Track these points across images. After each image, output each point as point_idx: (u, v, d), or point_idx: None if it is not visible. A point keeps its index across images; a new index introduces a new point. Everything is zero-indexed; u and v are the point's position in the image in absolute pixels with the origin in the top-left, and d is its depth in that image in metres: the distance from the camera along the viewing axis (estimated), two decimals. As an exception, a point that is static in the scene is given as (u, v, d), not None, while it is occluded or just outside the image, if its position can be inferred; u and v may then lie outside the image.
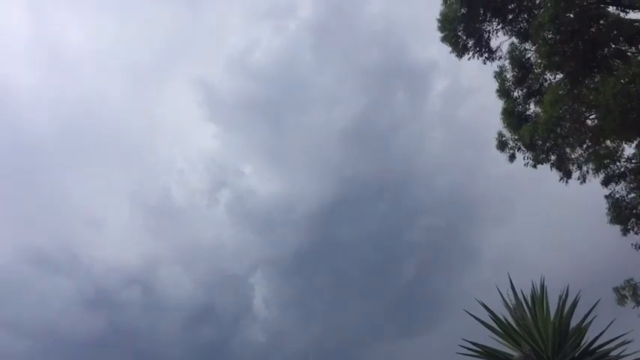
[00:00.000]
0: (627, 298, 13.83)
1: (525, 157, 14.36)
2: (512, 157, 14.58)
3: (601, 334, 4.22)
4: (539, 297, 4.27)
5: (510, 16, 14.00)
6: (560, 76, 12.76)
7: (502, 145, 14.67)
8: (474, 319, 4.48)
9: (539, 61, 12.86)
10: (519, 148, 14.44)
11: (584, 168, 14.31)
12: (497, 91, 14.67)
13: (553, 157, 14.02)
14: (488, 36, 14.36)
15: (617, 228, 14.48)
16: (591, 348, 4.19)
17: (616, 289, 14.03)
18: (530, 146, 13.97)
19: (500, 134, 14.75)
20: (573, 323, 4.22)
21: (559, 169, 14.25)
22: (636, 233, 13.95)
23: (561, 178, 14.48)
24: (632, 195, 14.14)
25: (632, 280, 14.02)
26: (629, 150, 14.30)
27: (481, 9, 13.70)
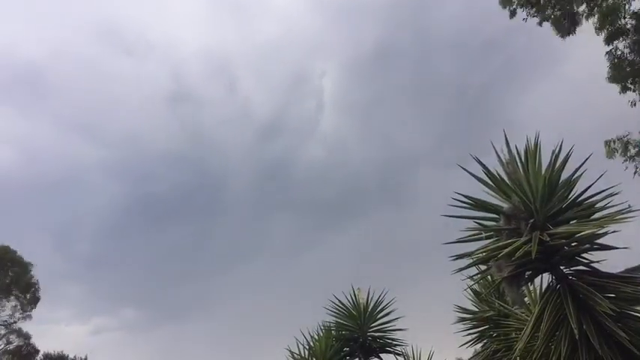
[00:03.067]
0: (617, 151, 14.14)
1: (528, 13, 13.96)
2: (513, 13, 14.19)
3: (589, 186, 4.35)
4: (532, 152, 4.35)
5: None
6: None
7: (505, 1, 14.17)
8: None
9: None
10: (522, 5, 13.97)
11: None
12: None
13: (557, 13, 13.59)
14: None
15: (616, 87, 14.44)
16: (579, 200, 4.35)
17: (607, 142, 14.28)
18: (535, 2, 13.52)
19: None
20: (564, 177, 4.34)
21: (560, 24, 13.89)
22: (634, 91, 13.93)
23: (561, 34, 14.16)
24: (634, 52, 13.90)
25: (626, 135, 14.24)
26: (636, 4, 13.82)
27: None
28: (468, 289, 8.20)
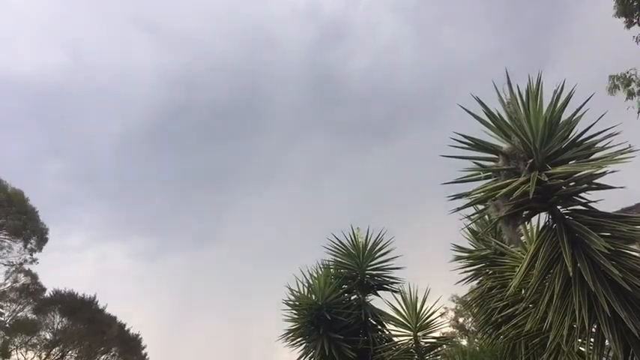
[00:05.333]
0: (619, 88, 13.93)
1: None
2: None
3: (590, 127, 4.32)
4: (533, 91, 4.29)
5: None
6: None
7: None
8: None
9: None
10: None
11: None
12: None
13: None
14: None
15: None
16: (578, 140, 4.33)
17: (611, 77, 14.04)
18: None
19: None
20: (565, 117, 4.30)
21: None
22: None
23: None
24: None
25: (630, 72, 13.98)
26: None
27: None
28: (465, 229, 8.31)
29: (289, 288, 10.46)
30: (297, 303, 10.24)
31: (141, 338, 34.46)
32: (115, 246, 58.28)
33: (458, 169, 4.74)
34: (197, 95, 67.56)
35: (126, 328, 33.68)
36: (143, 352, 34.48)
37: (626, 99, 13.92)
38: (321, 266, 10.63)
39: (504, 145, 4.34)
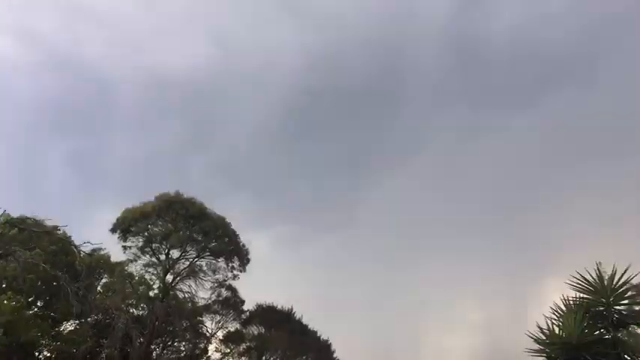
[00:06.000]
0: None
1: None
2: None
3: None
4: None
5: None
6: None
7: None
8: None
9: None
10: None
11: None
12: None
13: None
14: None
15: None
16: None
17: None
18: None
19: None
20: None
21: None
22: None
23: None
24: None
25: None
26: None
27: None
28: None
29: (538, 326, 10.81)
30: (548, 341, 10.57)
31: (330, 343, 36.69)
32: (259, 235, 60.76)
33: None
34: (339, 75, 68.31)
35: (317, 335, 36.12)
36: (334, 355, 36.72)
37: None
38: (568, 303, 10.83)
39: None
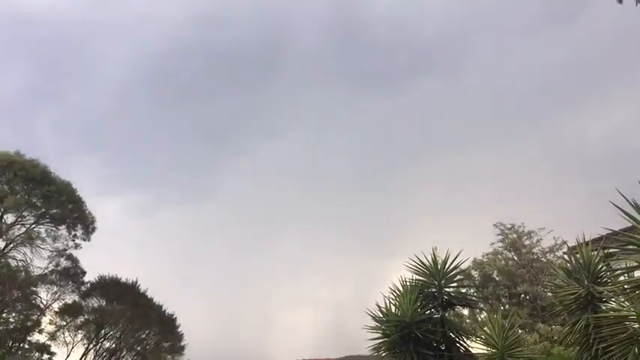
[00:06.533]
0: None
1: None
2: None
3: None
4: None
5: None
6: None
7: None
8: None
9: None
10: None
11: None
12: None
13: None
14: None
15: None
16: None
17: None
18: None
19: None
20: None
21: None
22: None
23: None
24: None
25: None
26: None
27: None
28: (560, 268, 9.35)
29: (377, 304, 11.48)
30: (385, 319, 11.29)
31: (176, 317, 36.08)
32: (108, 201, 57.95)
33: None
34: (218, 39, 65.96)
35: (163, 309, 35.26)
36: (179, 330, 36.16)
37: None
38: (404, 283, 11.62)
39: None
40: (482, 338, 10.92)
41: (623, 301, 7.77)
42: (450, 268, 11.54)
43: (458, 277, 11.88)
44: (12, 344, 32.08)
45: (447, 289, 11.63)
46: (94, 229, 31.39)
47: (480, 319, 28.95)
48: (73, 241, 31.16)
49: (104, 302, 33.05)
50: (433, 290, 11.61)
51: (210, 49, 65.29)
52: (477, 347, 11.09)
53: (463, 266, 11.98)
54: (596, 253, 9.00)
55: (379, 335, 11.21)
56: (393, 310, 11.21)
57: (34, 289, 32.30)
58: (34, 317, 32.73)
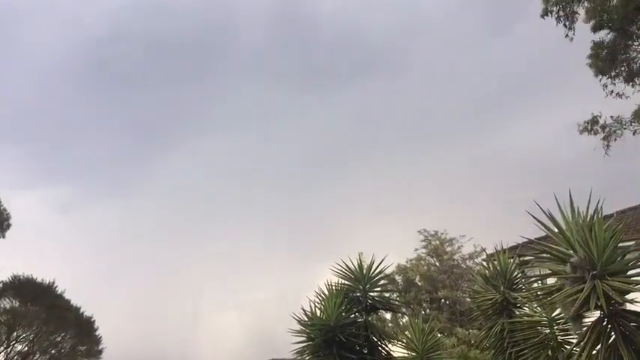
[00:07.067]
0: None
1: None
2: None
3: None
4: (600, 217, 5.56)
5: None
6: None
7: None
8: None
9: None
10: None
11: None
12: None
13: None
14: None
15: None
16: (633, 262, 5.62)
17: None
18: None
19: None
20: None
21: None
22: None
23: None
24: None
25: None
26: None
27: None
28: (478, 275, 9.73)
29: (302, 308, 11.48)
30: (309, 323, 11.31)
31: (94, 320, 34.63)
32: (26, 194, 54.76)
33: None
34: (158, 25, 63.77)
35: (81, 311, 33.74)
36: (97, 333, 34.73)
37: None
38: (330, 287, 11.69)
39: (573, 256, 5.56)
40: (403, 342, 11.16)
41: (535, 307, 8.18)
42: (375, 272, 11.73)
43: (382, 281, 12.11)
44: None
45: (372, 294, 11.81)
46: (8, 226, 29.61)
47: (401, 323, 29.71)
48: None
49: (17, 303, 31.22)
50: (358, 294, 11.75)
51: (151, 38, 62.82)
52: (398, 351, 11.31)
53: (387, 271, 12.18)
54: (512, 260, 9.43)
55: (303, 339, 11.23)
56: (318, 314, 11.27)
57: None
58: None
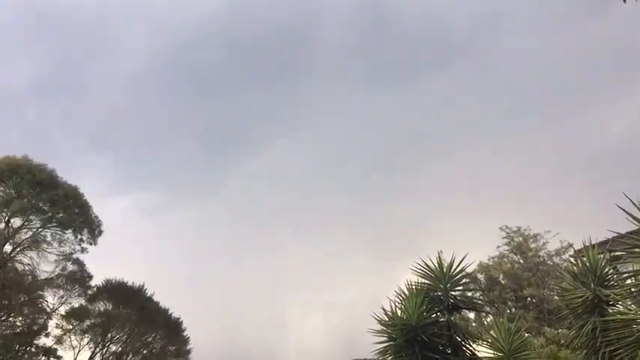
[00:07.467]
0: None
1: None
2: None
3: None
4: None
5: None
6: None
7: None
8: None
9: None
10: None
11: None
12: None
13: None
14: None
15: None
16: None
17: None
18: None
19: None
20: None
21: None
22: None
23: None
24: None
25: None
26: None
27: None
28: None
29: (382, 308, 11.47)
30: (390, 323, 11.27)
31: (182, 321, 36.21)
32: (117, 201, 57.47)
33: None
34: (240, 27, 64.13)
35: (169, 313, 35.42)
36: (184, 333, 36.31)
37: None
38: (410, 287, 11.61)
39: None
40: (488, 342, 10.88)
41: (630, 305, 7.75)
42: (456, 271, 11.53)
43: (464, 280, 11.88)
44: (19, 348, 32.19)
45: (453, 293, 11.61)
46: (100, 233, 31.63)
47: (486, 322, 28.91)
48: (80, 245, 31.43)
49: (110, 306, 33.28)
50: (439, 294, 11.60)
51: (233, 42, 64.03)
52: (483, 351, 11.04)
53: (469, 269, 11.93)
54: (602, 256, 8.97)
55: (385, 339, 11.21)
56: (399, 314, 11.21)
57: (41, 292, 32.47)
58: (40, 321, 32.88)
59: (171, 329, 34.69)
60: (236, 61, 66.65)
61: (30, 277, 31.25)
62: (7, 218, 30.59)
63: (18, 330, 32.02)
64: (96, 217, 31.44)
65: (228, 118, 66.07)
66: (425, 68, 63.35)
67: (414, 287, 11.44)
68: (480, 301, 20.71)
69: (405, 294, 11.47)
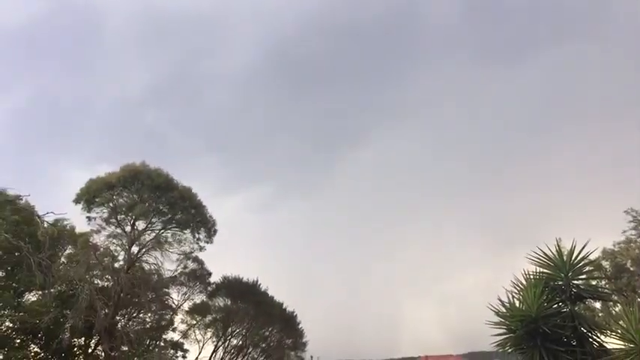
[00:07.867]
0: None
1: None
2: None
3: None
4: None
5: None
6: None
7: None
8: None
9: None
10: None
11: None
12: None
13: None
14: None
15: None
16: None
17: None
18: None
19: None
20: None
21: None
22: None
23: None
24: None
25: None
26: None
27: None
28: None
29: (499, 299, 11.13)
30: (508, 314, 10.91)
31: (296, 315, 37.38)
32: (229, 201, 59.58)
33: None
34: (344, 14, 64.36)
35: (284, 307, 36.69)
36: (300, 326, 37.45)
37: None
38: (528, 277, 11.16)
39: None
40: (617, 333, 10.17)
41: None
42: (578, 259, 10.93)
43: (587, 268, 11.23)
44: (149, 342, 34.80)
45: (575, 282, 11.02)
46: (215, 232, 33.38)
47: (614, 312, 27.04)
48: (197, 244, 33.35)
49: (229, 301, 35.02)
50: (560, 283, 11.07)
51: (338, 31, 64.75)
52: (612, 342, 10.37)
53: (592, 257, 11.25)
54: None
55: (503, 331, 10.88)
56: (517, 305, 10.83)
57: (166, 290, 34.88)
58: (167, 317, 35.32)
59: (286, 322, 35.90)
60: (340, 51, 67.00)
61: (156, 275, 33.62)
62: (132, 222, 33.14)
63: (148, 325, 34.65)
64: (210, 216, 33.26)
65: (332, 112, 66.98)
66: (540, 42, 59.84)
67: (531, 277, 11.00)
68: (606, 290, 19.45)
69: (522, 284, 11.06)
